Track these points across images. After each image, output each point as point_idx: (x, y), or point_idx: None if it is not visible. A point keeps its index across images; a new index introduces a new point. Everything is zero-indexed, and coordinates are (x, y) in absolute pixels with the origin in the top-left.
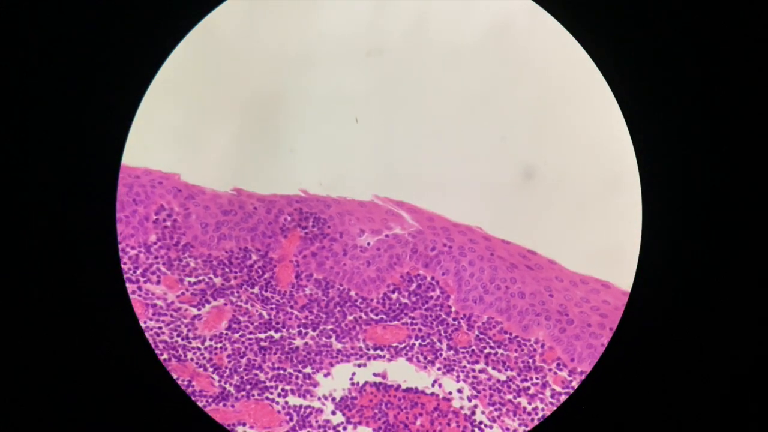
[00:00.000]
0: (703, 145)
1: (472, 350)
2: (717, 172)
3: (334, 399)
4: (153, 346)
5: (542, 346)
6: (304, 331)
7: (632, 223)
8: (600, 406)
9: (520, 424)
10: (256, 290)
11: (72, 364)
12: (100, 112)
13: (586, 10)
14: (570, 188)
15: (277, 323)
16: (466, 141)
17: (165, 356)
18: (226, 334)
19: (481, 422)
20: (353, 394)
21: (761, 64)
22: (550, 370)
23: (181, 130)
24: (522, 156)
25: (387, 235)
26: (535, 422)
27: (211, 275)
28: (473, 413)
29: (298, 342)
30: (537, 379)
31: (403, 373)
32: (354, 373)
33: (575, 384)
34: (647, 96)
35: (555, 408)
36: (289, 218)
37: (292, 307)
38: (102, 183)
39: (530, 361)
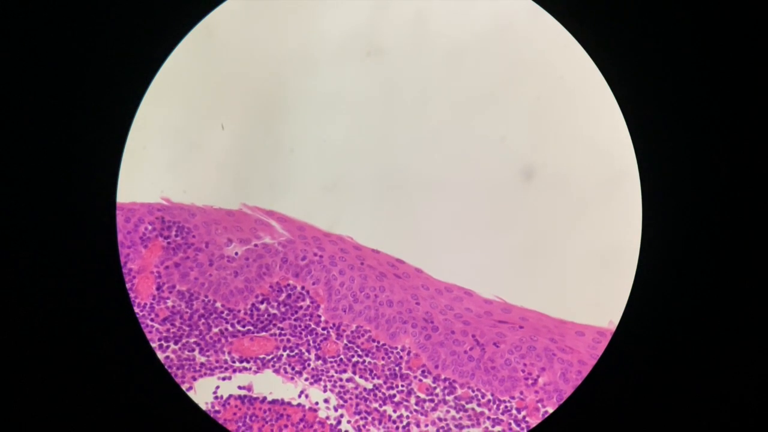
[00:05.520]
0: (703, 145)
1: (341, 359)
2: (717, 171)
3: None
4: None
5: (408, 353)
6: (165, 344)
7: (632, 223)
8: (605, 408)
9: None
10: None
11: (67, 364)
12: (100, 112)
13: (586, 10)
14: (570, 188)
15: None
16: (466, 141)
17: None
18: None
19: (346, 431)
20: (216, 408)
21: (761, 63)
22: (415, 377)
23: (181, 131)
24: (522, 156)
25: (256, 245)
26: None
27: None
28: (339, 423)
29: (159, 356)
30: (402, 386)
31: (270, 384)
32: (218, 387)
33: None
34: (647, 96)
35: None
36: (150, 227)
37: (152, 320)
38: (101, 184)
39: (396, 368)
